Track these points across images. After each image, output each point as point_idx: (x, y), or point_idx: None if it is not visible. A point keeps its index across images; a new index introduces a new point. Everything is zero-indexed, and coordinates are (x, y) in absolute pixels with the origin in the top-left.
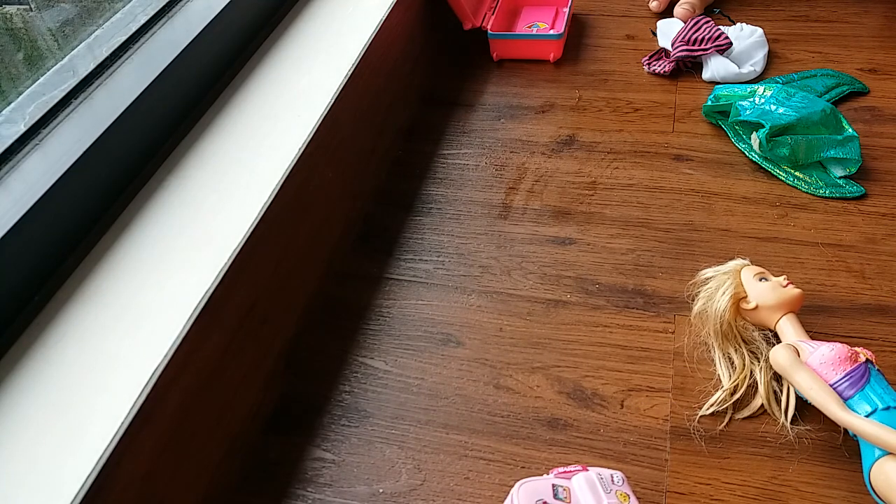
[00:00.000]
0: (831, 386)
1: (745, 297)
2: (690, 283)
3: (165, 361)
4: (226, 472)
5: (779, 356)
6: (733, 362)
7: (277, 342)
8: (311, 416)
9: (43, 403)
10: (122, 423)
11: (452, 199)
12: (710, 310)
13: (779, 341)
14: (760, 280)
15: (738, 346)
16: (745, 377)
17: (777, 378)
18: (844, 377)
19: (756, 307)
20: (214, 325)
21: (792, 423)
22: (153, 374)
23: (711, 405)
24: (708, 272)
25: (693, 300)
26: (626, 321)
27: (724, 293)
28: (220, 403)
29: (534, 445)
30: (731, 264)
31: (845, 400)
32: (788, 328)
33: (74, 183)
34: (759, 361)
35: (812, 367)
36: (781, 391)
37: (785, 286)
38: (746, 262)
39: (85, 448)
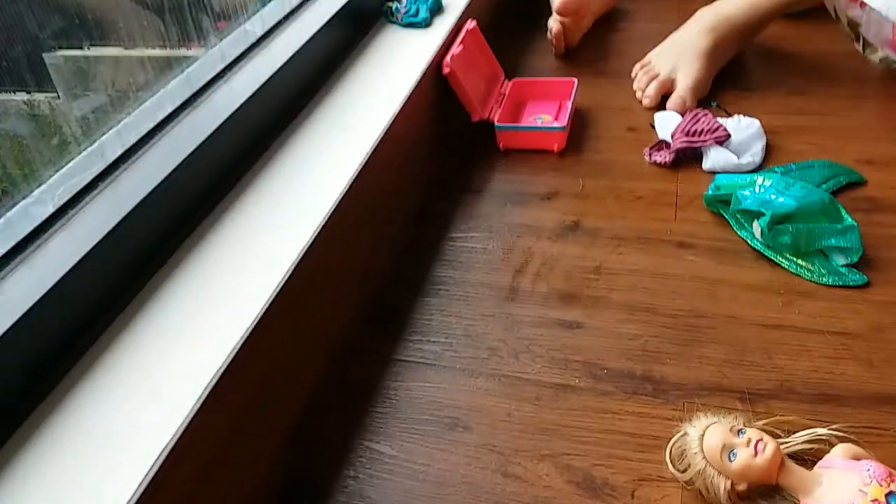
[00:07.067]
0: None
1: (735, 483)
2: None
3: (175, 440)
4: None
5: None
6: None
7: (284, 423)
8: (314, 502)
9: (55, 475)
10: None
11: (461, 281)
12: None
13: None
14: (730, 456)
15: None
16: None
17: None
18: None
19: (748, 486)
20: (223, 403)
21: None
22: (159, 455)
23: None
24: (677, 448)
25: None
26: (636, 408)
27: (716, 492)
28: (226, 485)
29: None
30: (694, 445)
31: None
32: (793, 483)
33: (97, 262)
34: None
35: None
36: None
37: (755, 454)
38: (700, 430)
39: None
